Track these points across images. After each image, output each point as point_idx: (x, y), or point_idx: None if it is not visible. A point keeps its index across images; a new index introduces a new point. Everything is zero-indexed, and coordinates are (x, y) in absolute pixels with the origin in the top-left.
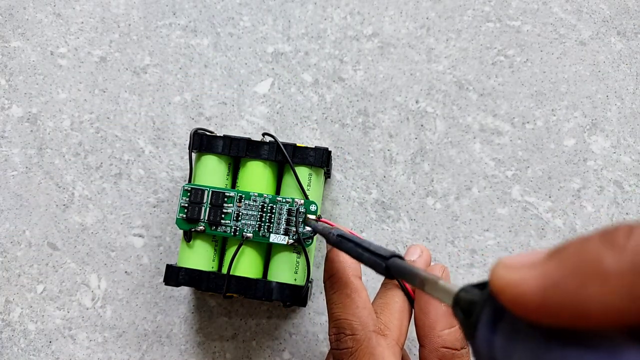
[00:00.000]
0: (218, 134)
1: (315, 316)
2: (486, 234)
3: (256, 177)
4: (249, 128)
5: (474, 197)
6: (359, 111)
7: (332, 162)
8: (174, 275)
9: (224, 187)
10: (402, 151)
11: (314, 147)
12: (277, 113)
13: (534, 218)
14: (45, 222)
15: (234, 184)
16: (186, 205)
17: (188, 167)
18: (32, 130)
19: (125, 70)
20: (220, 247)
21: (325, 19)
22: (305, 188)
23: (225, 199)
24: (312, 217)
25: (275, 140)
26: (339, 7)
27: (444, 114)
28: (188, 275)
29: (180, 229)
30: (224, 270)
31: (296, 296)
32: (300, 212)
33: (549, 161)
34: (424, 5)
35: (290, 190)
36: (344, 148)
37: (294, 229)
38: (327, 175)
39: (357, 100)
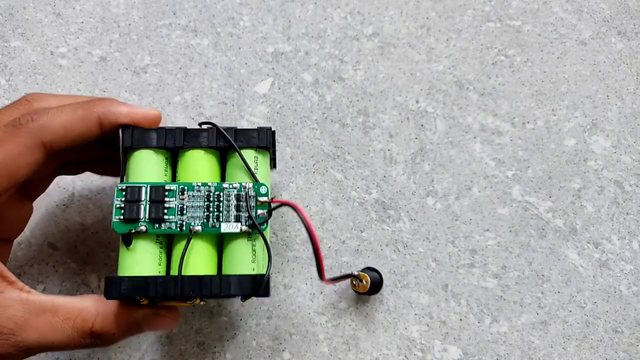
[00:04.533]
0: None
1: (315, 316)
2: (486, 234)
3: (197, 166)
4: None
5: (474, 197)
6: (359, 111)
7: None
8: (116, 287)
9: (163, 182)
10: (402, 151)
11: (256, 127)
12: (277, 113)
13: (534, 218)
14: (45, 222)
15: (174, 179)
16: (122, 205)
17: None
18: None
19: (125, 70)
20: (167, 246)
21: (325, 19)
22: (253, 170)
23: (166, 193)
24: (265, 199)
25: (215, 125)
26: (339, 7)
27: (444, 113)
28: (132, 284)
29: (119, 232)
30: (174, 272)
31: (258, 287)
32: (250, 196)
33: (549, 161)
34: (424, 5)
35: (236, 176)
36: (344, 148)
37: (245, 214)
38: (273, 164)
39: (357, 100)
